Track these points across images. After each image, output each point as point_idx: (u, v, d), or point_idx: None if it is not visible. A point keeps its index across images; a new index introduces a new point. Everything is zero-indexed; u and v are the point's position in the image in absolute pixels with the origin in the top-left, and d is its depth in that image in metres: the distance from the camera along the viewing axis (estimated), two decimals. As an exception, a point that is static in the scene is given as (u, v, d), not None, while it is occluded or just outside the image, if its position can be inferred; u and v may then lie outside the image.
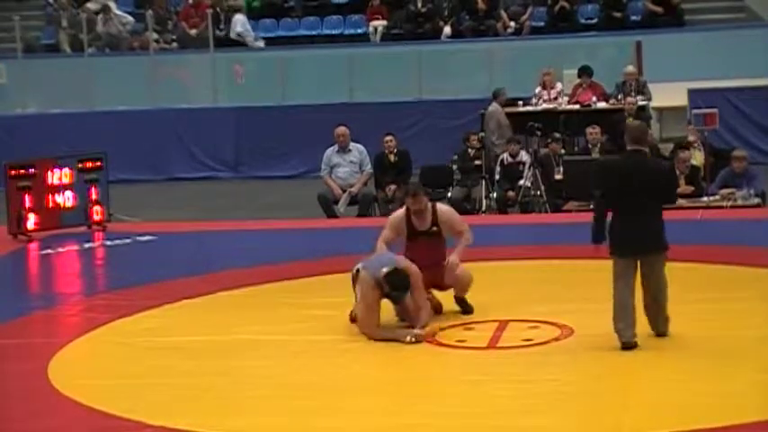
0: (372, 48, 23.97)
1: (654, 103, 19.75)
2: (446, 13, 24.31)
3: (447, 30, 24.01)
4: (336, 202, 16.53)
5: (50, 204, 15.09)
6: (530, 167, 16.87)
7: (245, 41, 24.56)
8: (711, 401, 7.86)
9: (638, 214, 9.07)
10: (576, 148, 18.39)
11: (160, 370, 9.15)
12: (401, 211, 10.49)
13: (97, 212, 15.39)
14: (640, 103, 18.97)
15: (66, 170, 15.20)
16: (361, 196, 16.66)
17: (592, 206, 9.65)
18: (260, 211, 17.71)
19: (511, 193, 16.87)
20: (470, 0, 24.11)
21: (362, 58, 22.95)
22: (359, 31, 24.83)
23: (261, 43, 24.75)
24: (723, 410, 7.67)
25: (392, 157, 17.06)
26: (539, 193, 16.69)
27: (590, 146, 17.10)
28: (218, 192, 20.59)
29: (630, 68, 19.82)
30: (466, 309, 10.34)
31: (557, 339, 9.46)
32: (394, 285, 9.58)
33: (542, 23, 24.00)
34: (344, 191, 16.58)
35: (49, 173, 15.12)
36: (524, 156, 17.18)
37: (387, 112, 20.77)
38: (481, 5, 24.01)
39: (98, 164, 15.45)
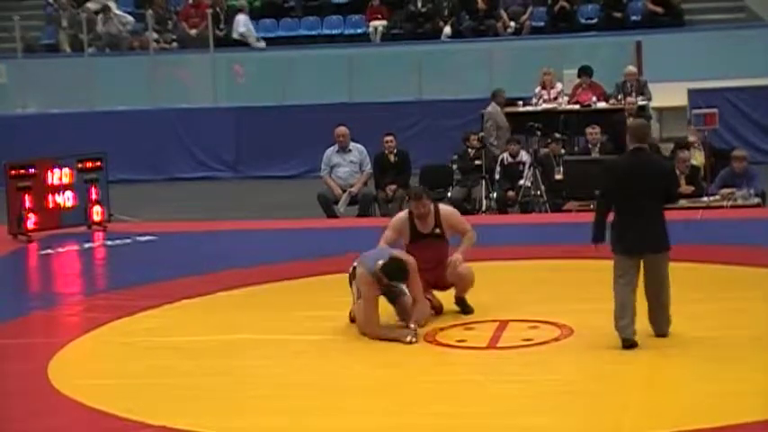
0: (372, 48, 23.98)
1: (654, 103, 19.75)
2: (446, 13, 24.32)
3: (447, 30, 24.02)
4: (336, 202, 16.53)
5: (50, 204, 15.09)
6: (530, 167, 16.87)
7: (248, 41, 24.57)
8: (711, 401, 7.86)
9: (640, 212, 9.08)
10: (576, 148, 18.39)
11: (160, 370, 9.15)
12: (404, 214, 10.47)
13: (97, 212, 15.39)
14: (640, 103, 18.97)
15: (66, 170, 15.20)
16: (361, 196, 16.66)
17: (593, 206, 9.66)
18: (260, 211, 17.71)
19: (511, 193, 16.87)
20: (470, 0, 24.11)
21: (362, 58, 22.96)
22: (359, 31, 24.84)
23: (261, 44, 24.76)
24: (723, 410, 7.67)
25: (392, 157, 17.06)
26: (539, 193, 16.70)
27: (590, 146, 17.10)
28: (218, 192, 20.59)
29: (630, 68, 19.82)
30: (466, 309, 10.34)
31: (557, 339, 9.46)
32: (391, 275, 9.59)
33: (542, 23, 24.02)
34: (344, 191, 16.58)
35: (49, 173, 15.12)
36: (524, 156, 17.18)
37: (387, 112, 20.77)
38: (481, 5, 24.02)
39: (98, 164, 15.45)
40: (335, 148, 16.86)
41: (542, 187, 16.66)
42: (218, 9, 24.75)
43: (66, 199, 15.20)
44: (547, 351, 9.20)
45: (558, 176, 16.68)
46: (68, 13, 25.66)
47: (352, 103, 21.52)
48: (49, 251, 14.26)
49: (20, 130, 21.88)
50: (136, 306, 11.05)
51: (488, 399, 8.19)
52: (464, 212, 14.30)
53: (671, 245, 9.22)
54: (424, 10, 24.35)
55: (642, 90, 19.51)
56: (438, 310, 10.31)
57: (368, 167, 16.81)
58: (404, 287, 9.82)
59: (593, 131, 17.10)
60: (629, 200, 9.10)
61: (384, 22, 24.62)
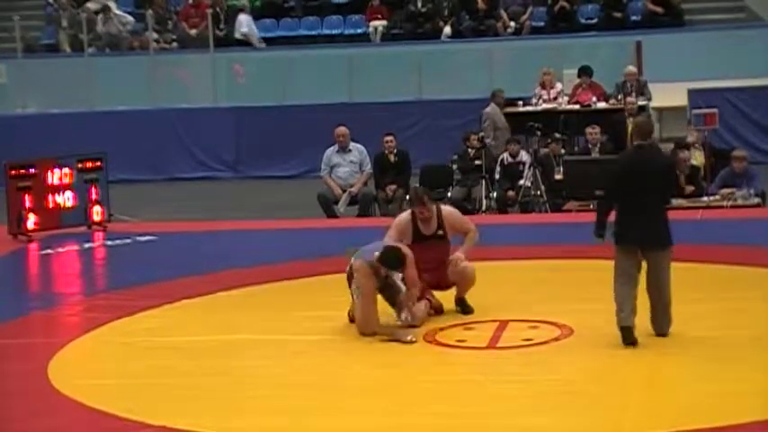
0: (372, 48, 23.98)
1: (654, 103, 19.75)
2: (446, 13, 24.33)
3: (447, 30, 24.02)
4: (336, 201, 16.53)
5: (50, 204, 15.09)
6: (530, 167, 16.88)
7: (251, 41, 24.58)
8: (711, 401, 7.86)
9: (642, 209, 9.10)
10: (576, 148, 18.39)
11: (160, 370, 9.15)
12: (407, 215, 10.46)
13: (97, 212, 15.40)
14: (640, 103, 18.96)
15: (66, 170, 15.21)
16: (361, 196, 16.66)
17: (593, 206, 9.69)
18: (260, 211, 17.71)
19: (511, 193, 16.87)
20: (470, 0, 24.11)
21: (362, 58, 22.95)
22: (359, 31, 24.84)
23: (261, 44, 24.76)
24: (723, 410, 7.67)
25: (392, 157, 17.06)
26: (539, 192, 16.70)
27: (590, 146, 17.09)
28: (218, 192, 20.59)
29: (630, 68, 19.82)
30: (466, 309, 10.34)
31: (557, 339, 9.46)
32: (388, 263, 9.62)
33: (542, 23, 24.02)
34: (344, 191, 16.58)
35: (49, 173, 15.13)
36: (524, 156, 17.18)
37: (387, 112, 20.77)
38: (481, 5, 24.02)
39: (98, 164, 15.46)
40: (335, 148, 16.87)
41: (542, 187, 16.66)
42: (218, 9, 24.76)
43: (66, 199, 15.21)
44: (547, 351, 9.20)
45: (558, 176, 16.67)
46: (68, 13, 25.66)
47: (352, 103, 21.52)
48: (49, 251, 14.26)
49: (20, 130, 21.88)
50: (136, 306, 11.05)
51: (488, 399, 8.19)
52: (464, 212, 14.24)
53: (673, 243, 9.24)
54: (424, 10, 24.35)
55: (642, 90, 19.51)
56: (438, 310, 10.31)
57: (368, 167, 16.81)
58: (401, 284, 9.82)
59: (593, 131, 17.10)
60: (630, 196, 9.12)
61: (384, 22, 24.62)
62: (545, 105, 19.73)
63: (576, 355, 9.09)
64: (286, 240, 14.42)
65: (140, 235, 14.85)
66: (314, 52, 23.67)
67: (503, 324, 9.90)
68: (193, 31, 24.83)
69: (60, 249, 14.32)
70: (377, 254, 9.65)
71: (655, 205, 9.18)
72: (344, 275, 9.97)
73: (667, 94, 20.09)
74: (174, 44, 25.09)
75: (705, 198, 15.40)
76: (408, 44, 23.54)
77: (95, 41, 24.90)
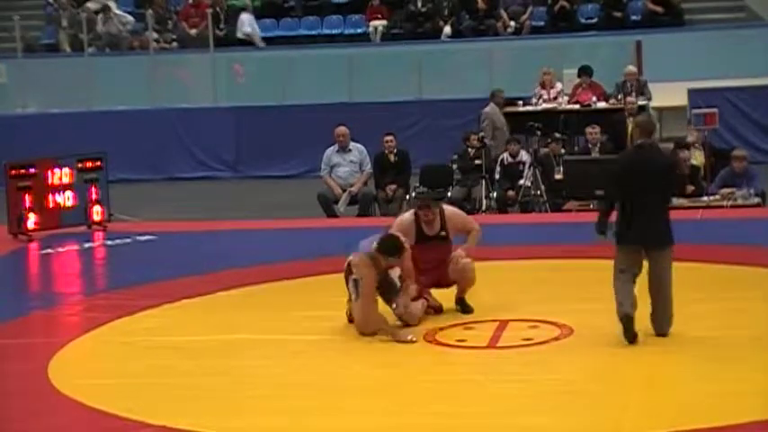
0: (372, 48, 23.98)
1: (654, 103, 19.74)
2: (446, 12, 24.33)
3: (447, 29, 24.02)
4: (336, 201, 16.54)
5: (50, 204, 15.09)
6: (530, 167, 16.88)
7: (253, 41, 24.58)
8: (711, 401, 7.86)
9: (643, 208, 9.10)
10: (576, 148, 18.40)
11: (160, 370, 9.15)
12: (410, 215, 10.46)
13: (97, 212, 15.40)
14: (640, 102, 18.95)
15: (66, 170, 15.21)
16: (361, 196, 16.67)
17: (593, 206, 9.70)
18: (260, 211, 17.70)
19: (511, 193, 16.88)
20: (470, 0, 24.11)
21: (362, 58, 22.96)
22: (359, 31, 24.85)
23: (261, 43, 24.77)
24: (723, 410, 7.67)
25: (392, 157, 17.06)
26: (539, 192, 16.71)
27: (590, 146, 17.10)
28: (218, 192, 20.59)
29: (630, 68, 19.82)
30: (466, 309, 10.34)
31: (556, 339, 9.46)
32: (387, 251, 9.64)
33: (542, 23, 24.02)
34: (344, 191, 16.59)
35: (49, 173, 15.13)
36: (524, 155, 17.19)
37: (387, 112, 20.77)
38: (481, 5, 24.02)
39: (98, 164, 15.46)
40: (335, 147, 16.87)
41: (542, 187, 16.67)
42: (218, 9, 24.76)
43: (67, 199, 15.21)
44: (547, 351, 9.20)
45: (558, 176, 16.67)
46: (68, 12, 25.67)
47: (352, 102, 21.53)
48: (50, 251, 14.26)
49: (20, 130, 21.88)
50: (136, 306, 11.05)
51: (488, 398, 8.18)
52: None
53: (674, 242, 9.24)
54: (424, 10, 24.35)
55: (642, 90, 19.51)
56: (437, 310, 10.31)
57: (368, 167, 16.81)
58: (397, 281, 9.81)
59: (593, 131, 17.10)
60: (631, 196, 9.12)
61: (384, 22, 24.62)
62: (545, 105, 19.73)
63: (575, 354, 9.09)
64: (285, 240, 14.42)
65: (140, 235, 14.85)
66: (314, 52, 23.67)
67: (503, 324, 9.90)
68: (193, 31, 24.84)
69: (60, 249, 14.32)
70: (375, 245, 9.66)
71: (655, 205, 9.18)
72: (343, 275, 9.97)
73: (667, 94, 20.10)
74: (174, 44, 25.09)
75: (705, 198, 15.40)
76: (408, 44, 23.54)
77: (95, 41, 24.91)
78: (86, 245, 14.56)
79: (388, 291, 9.85)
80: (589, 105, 19.37)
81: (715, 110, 17.12)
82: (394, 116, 20.45)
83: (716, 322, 9.70)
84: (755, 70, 20.62)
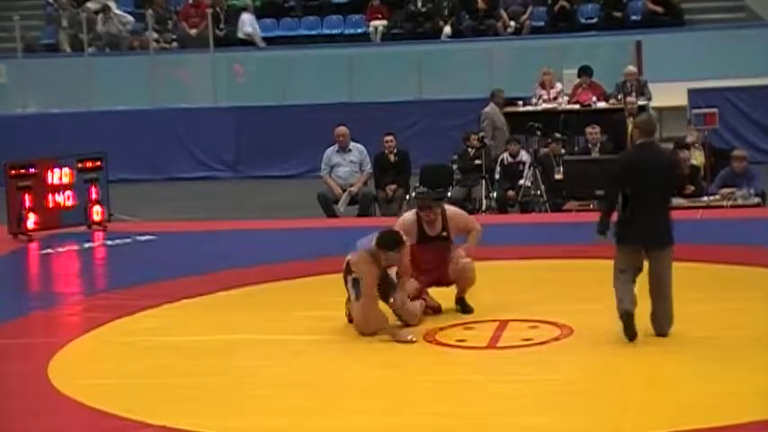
0: (372, 48, 23.99)
1: (654, 103, 19.74)
2: (446, 12, 24.34)
3: (447, 29, 24.03)
4: (336, 201, 16.54)
5: (50, 204, 15.09)
6: (530, 167, 16.88)
7: (254, 41, 24.58)
8: (711, 401, 7.86)
9: (643, 207, 9.10)
10: (576, 148, 18.40)
11: (160, 370, 9.15)
12: (411, 215, 10.45)
13: (97, 212, 15.40)
14: (640, 103, 18.96)
15: (66, 170, 15.21)
16: (361, 196, 16.67)
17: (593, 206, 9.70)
18: (260, 211, 17.71)
19: (511, 193, 16.88)
20: (470, 0, 24.11)
21: (362, 58, 22.96)
22: (359, 31, 24.86)
23: (261, 43, 24.78)
24: (723, 410, 7.67)
25: (392, 157, 17.06)
26: (539, 192, 16.71)
27: (590, 146, 17.10)
28: (218, 192, 20.59)
29: (630, 68, 19.83)
30: (466, 309, 10.34)
31: (556, 339, 9.46)
32: (386, 245, 9.63)
33: (542, 23, 24.03)
34: (344, 190, 16.59)
35: (49, 173, 15.13)
36: (524, 156, 17.19)
37: (387, 112, 20.78)
38: (481, 5, 24.03)
39: (98, 164, 15.46)
40: (335, 147, 16.87)
41: (542, 187, 16.67)
42: (218, 9, 24.77)
43: (67, 199, 15.21)
44: (547, 351, 9.20)
45: (558, 176, 16.68)
46: (68, 12, 25.68)
47: (352, 102, 21.53)
48: (49, 251, 14.26)
49: (20, 130, 21.89)
50: (136, 306, 11.05)
51: (488, 398, 8.18)
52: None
53: (674, 242, 9.24)
54: (424, 10, 24.36)
55: (642, 90, 19.52)
56: (436, 310, 10.31)
57: (368, 167, 16.82)
58: (395, 278, 9.81)
59: (593, 131, 17.11)
60: (632, 195, 9.11)
61: (384, 22, 24.63)
62: (545, 105, 19.74)
63: (576, 354, 9.09)
64: (286, 240, 14.42)
65: (140, 235, 14.85)
66: (314, 52, 23.68)
67: (503, 324, 9.90)
68: (193, 31, 24.84)
69: (60, 249, 14.32)
70: (374, 241, 9.66)
71: (656, 204, 9.18)
72: (342, 275, 9.98)
73: (667, 94, 20.10)
74: (174, 44, 25.10)
75: (705, 198, 15.40)
76: (408, 44, 23.55)
77: (95, 41, 24.92)
78: (86, 245, 14.56)
79: (385, 289, 9.84)
80: (589, 105, 19.38)
81: (715, 110, 17.13)
82: (394, 116, 20.45)
83: (716, 322, 9.70)
84: (755, 70, 20.63)
